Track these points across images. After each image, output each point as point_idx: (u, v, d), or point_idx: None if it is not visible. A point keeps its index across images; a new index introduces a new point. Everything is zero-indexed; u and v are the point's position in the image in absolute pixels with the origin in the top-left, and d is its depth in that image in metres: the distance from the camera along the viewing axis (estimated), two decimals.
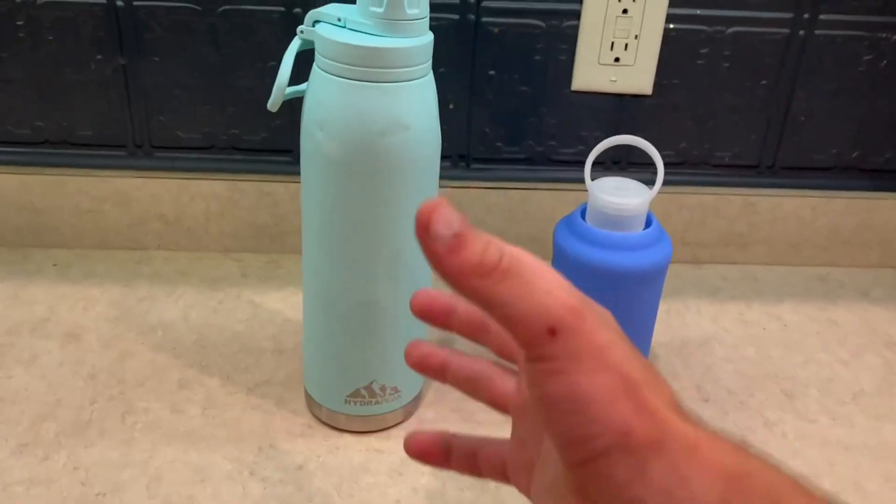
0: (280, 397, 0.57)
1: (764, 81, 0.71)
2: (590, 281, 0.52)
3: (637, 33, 0.68)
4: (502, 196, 0.74)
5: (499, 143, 0.73)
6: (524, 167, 0.75)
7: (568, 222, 0.54)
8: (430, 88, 0.46)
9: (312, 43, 0.46)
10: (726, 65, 0.71)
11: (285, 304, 0.68)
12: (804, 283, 0.75)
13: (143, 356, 0.61)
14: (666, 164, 0.55)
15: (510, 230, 0.76)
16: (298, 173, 0.73)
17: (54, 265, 0.72)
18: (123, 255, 0.74)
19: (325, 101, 0.44)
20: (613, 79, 0.70)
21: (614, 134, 0.73)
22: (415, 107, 0.45)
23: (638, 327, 0.54)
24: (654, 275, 0.52)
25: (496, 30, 0.68)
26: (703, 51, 0.70)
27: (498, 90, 0.71)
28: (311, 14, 0.46)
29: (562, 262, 0.53)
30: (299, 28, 0.46)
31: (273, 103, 0.46)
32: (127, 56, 0.68)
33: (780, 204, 0.75)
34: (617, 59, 0.70)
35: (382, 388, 0.52)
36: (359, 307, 0.49)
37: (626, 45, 0.69)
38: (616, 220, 0.51)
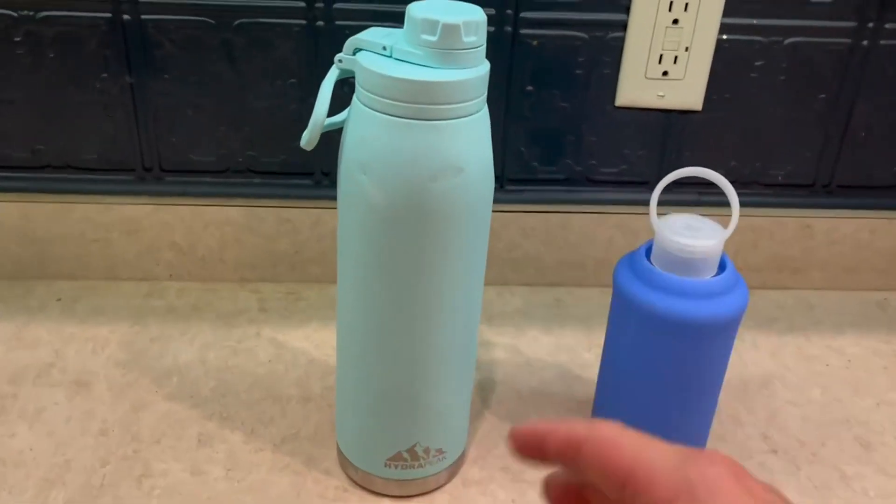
0: (310, 455, 0.52)
1: (822, 95, 0.66)
2: (656, 331, 0.47)
3: (688, 45, 0.63)
4: (539, 220, 0.69)
5: (535, 163, 0.68)
6: (562, 188, 0.69)
7: (631, 262, 0.49)
8: (485, 124, 0.41)
9: (351, 72, 0.41)
10: (782, 77, 0.65)
11: (309, 343, 0.63)
12: (863, 311, 0.70)
13: (159, 407, 0.56)
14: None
15: (547, 256, 0.71)
16: (320, 198, 0.68)
17: (58, 300, 0.66)
18: (132, 288, 0.68)
19: (369, 140, 0.39)
20: (661, 94, 0.65)
21: (659, 152, 0.68)
22: (470, 146, 0.39)
23: (705, 382, 0.49)
24: (728, 325, 0.47)
25: (535, 42, 0.63)
26: (757, 63, 0.65)
27: (535, 106, 0.65)
28: (352, 41, 0.40)
29: (624, 307, 0.48)
30: (338, 57, 0.41)
31: (309, 141, 0.41)
32: (135, 74, 0.63)
33: (837, 226, 0.70)
34: (665, 73, 0.64)
35: (426, 451, 0.47)
36: (402, 365, 0.44)
37: (676, 57, 0.64)
38: (687, 264, 0.46)
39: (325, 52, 0.62)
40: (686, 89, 0.65)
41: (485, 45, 0.39)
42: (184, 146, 0.66)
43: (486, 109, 0.41)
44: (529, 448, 0.28)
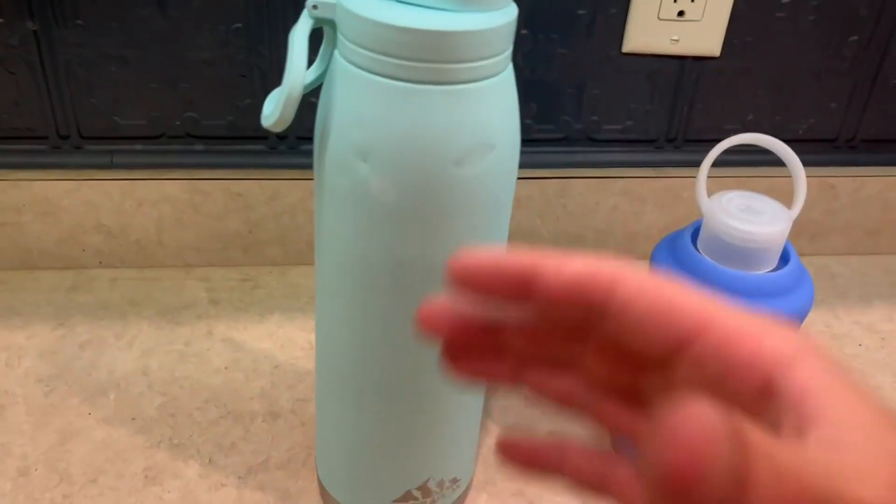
0: (284, 490, 0.43)
1: (854, 37, 0.58)
2: None
3: None
4: (534, 186, 0.60)
5: (528, 121, 0.59)
6: (560, 149, 0.60)
7: (673, 248, 0.40)
8: (513, 85, 0.31)
9: (328, 21, 0.30)
10: (812, 17, 0.57)
11: (272, 342, 0.53)
12: (888, 280, 0.63)
13: (93, 435, 0.45)
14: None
15: (543, 228, 0.62)
16: (276, 167, 0.57)
17: None
18: (53, 279, 0.57)
19: (371, 117, 0.29)
20: (675, 38, 0.56)
21: (670, 105, 0.59)
22: (500, 115, 0.30)
23: None
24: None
25: None
26: (785, 0, 0.56)
27: (530, 54, 0.56)
28: None
29: None
30: (311, 2, 0.30)
31: (280, 120, 0.30)
32: (38, 19, 0.50)
33: (862, 185, 0.63)
34: (681, 13, 0.55)
35: (440, 484, 0.39)
36: (414, 393, 0.35)
37: None
38: (744, 254, 0.38)
39: None
40: (704, 32, 0.56)
41: None
42: (107, 108, 0.54)
43: (511, 66, 0.31)
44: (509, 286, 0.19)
